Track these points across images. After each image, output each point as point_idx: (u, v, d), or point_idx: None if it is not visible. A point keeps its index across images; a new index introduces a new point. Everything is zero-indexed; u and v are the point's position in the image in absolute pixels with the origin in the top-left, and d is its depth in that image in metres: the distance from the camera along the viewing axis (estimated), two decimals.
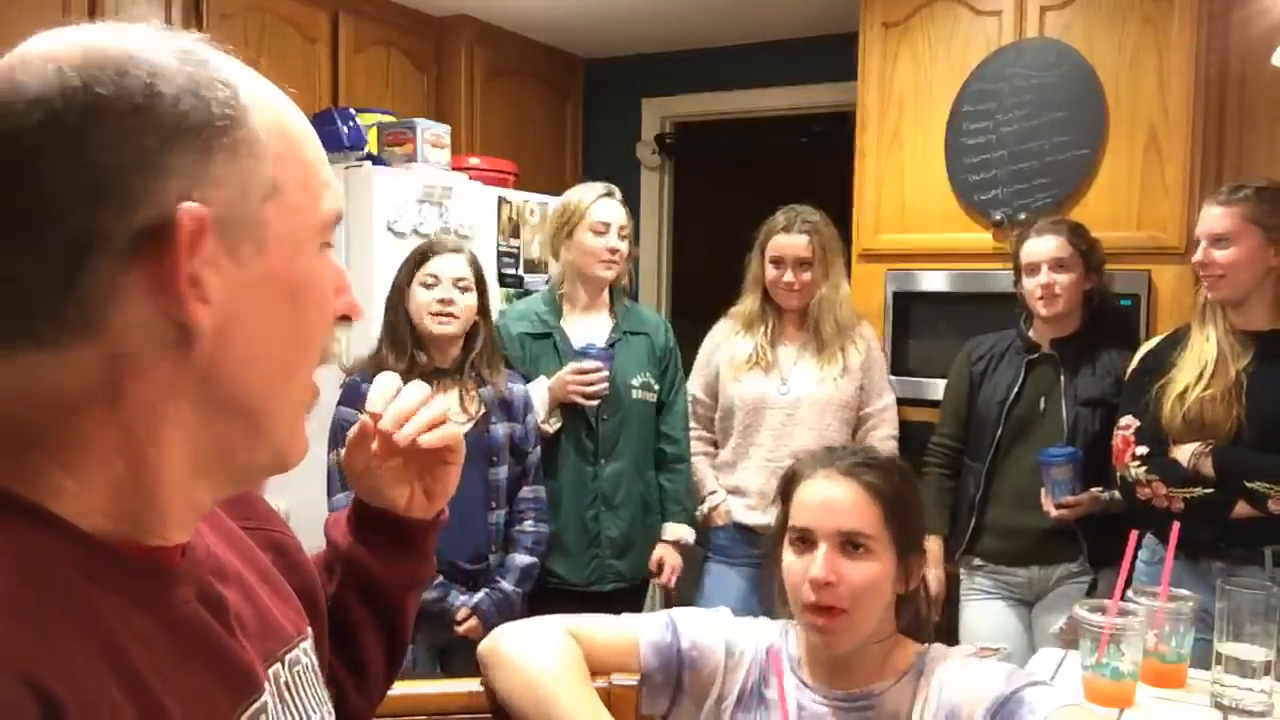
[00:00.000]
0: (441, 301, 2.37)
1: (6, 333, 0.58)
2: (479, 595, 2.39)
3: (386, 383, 0.93)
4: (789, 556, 1.37)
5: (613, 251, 2.70)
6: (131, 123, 0.58)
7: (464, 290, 2.40)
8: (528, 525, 2.50)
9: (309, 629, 0.81)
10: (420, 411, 0.92)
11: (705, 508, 2.83)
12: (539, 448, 2.57)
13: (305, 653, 0.79)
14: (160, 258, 0.58)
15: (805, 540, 1.35)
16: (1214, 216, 2.25)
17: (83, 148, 0.57)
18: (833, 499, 1.35)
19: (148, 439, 0.61)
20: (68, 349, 0.58)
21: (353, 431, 0.93)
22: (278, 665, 0.74)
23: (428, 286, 2.38)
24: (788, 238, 2.77)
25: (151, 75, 0.59)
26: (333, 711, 0.81)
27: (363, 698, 0.97)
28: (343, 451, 0.96)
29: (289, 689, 0.74)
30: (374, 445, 0.93)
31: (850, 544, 1.33)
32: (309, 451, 0.71)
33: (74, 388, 0.59)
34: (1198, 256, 2.27)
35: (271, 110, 0.65)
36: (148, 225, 0.58)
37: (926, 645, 1.39)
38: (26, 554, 0.57)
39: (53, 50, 0.59)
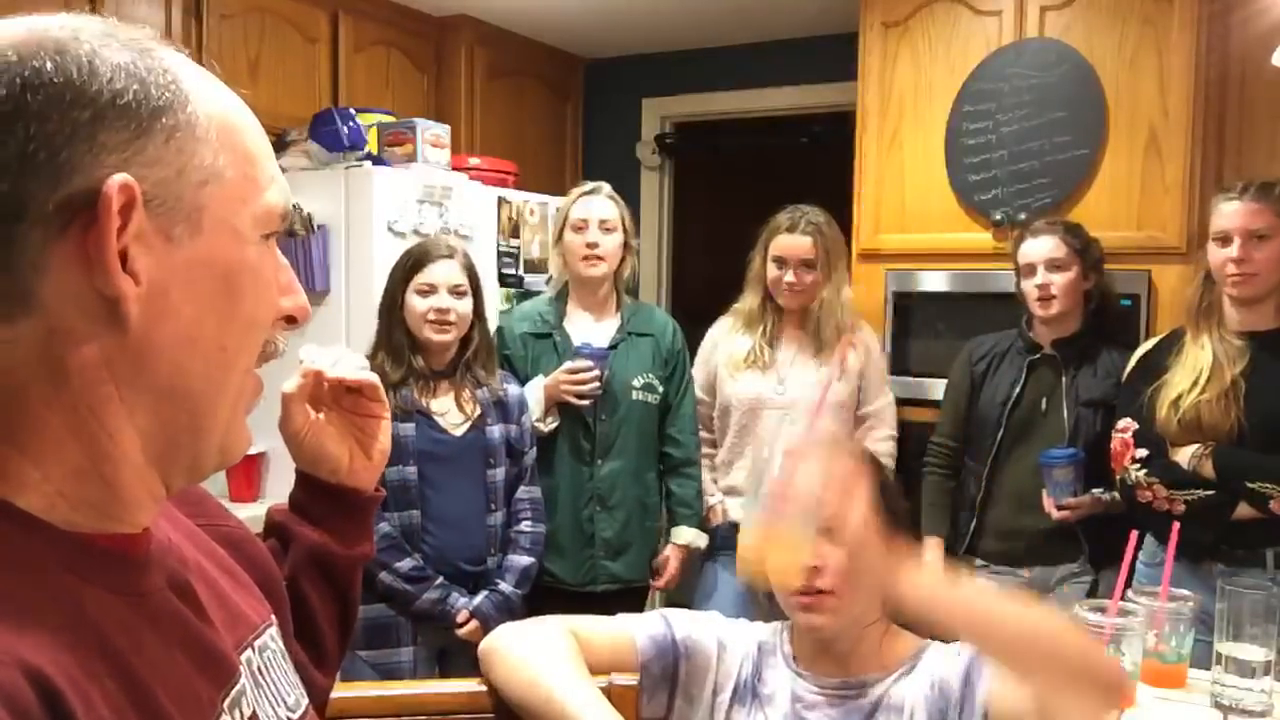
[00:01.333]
0: (439, 311, 2.36)
1: None
2: (479, 598, 2.39)
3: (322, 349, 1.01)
4: None
5: (591, 246, 2.68)
6: (66, 96, 0.59)
7: (460, 296, 2.39)
8: (525, 526, 2.50)
9: (273, 617, 0.83)
10: (347, 357, 0.99)
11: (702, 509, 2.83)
12: (535, 449, 2.57)
13: (273, 639, 0.81)
14: (88, 229, 0.59)
15: None
16: (1250, 213, 2.21)
17: (13, 117, 0.58)
18: None
19: (96, 422, 0.62)
20: (6, 324, 0.59)
21: (290, 385, 0.97)
22: (249, 651, 0.75)
23: (424, 294, 2.36)
24: (791, 238, 2.76)
25: (90, 55, 0.60)
26: (305, 694, 0.83)
27: (323, 675, 1.00)
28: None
29: (262, 673, 0.76)
30: (310, 409, 0.97)
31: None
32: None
33: (18, 365, 0.60)
34: (1233, 253, 2.21)
35: (216, 102, 0.66)
36: (76, 196, 0.59)
37: (927, 640, 1.39)
38: (5, 547, 0.58)
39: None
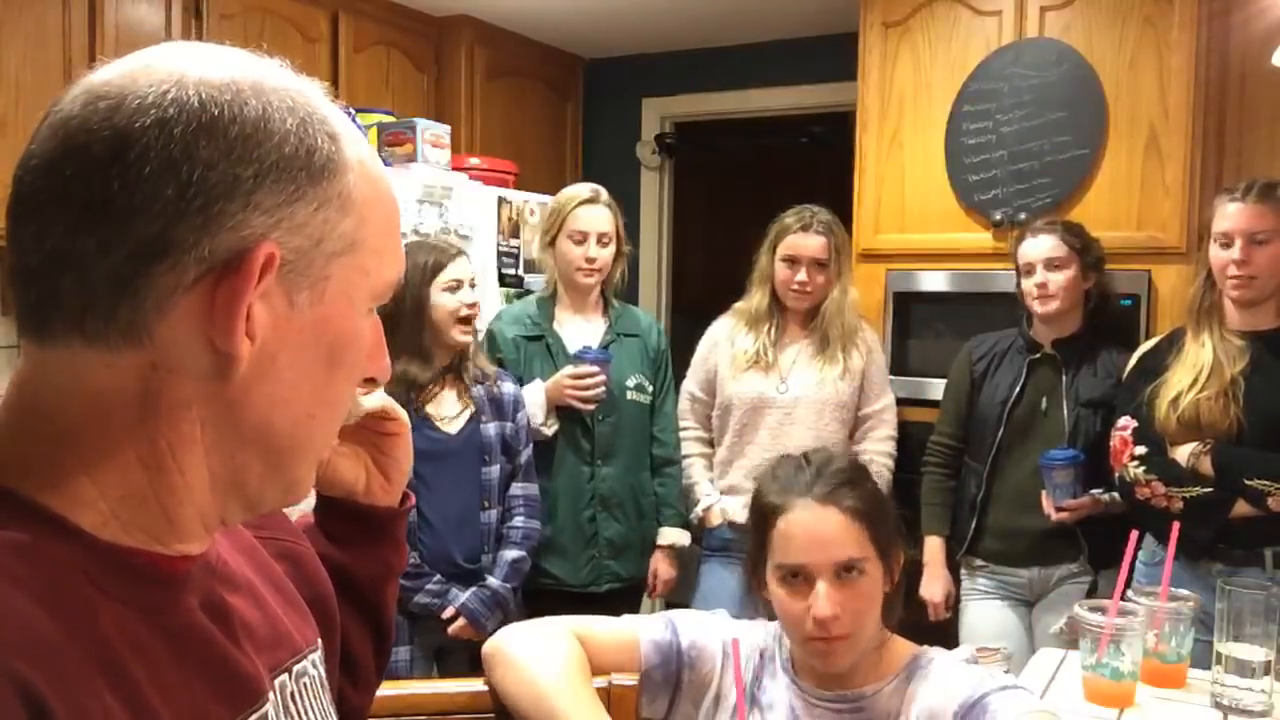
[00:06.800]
0: (469, 306, 2.38)
1: (61, 319, 0.60)
2: (466, 594, 2.39)
3: None
4: (780, 592, 1.35)
5: (590, 261, 2.69)
6: (236, 150, 0.59)
7: (473, 289, 2.42)
8: (518, 521, 2.51)
9: (319, 640, 0.81)
10: None
11: (700, 510, 2.83)
12: (530, 447, 2.57)
13: (314, 664, 0.79)
14: (222, 286, 0.59)
15: (798, 576, 1.33)
16: (1253, 215, 2.20)
17: (182, 160, 0.58)
18: (823, 533, 1.32)
19: (171, 456, 0.62)
20: (111, 350, 0.59)
21: None
22: (284, 675, 0.74)
23: (452, 291, 2.37)
24: (804, 237, 2.75)
25: (265, 109, 0.61)
26: None
27: (358, 694, 0.98)
28: None
29: (294, 700, 0.74)
30: None
31: (846, 569, 1.32)
32: None
33: (110, 391, 0.60)
34: (1234, 255, 2.20)
35: (368, 174, 0.66)
36: (221, 252, 0.59)
37: (924, 647, 1.39)
38: (32, 559, 0.57)
39: (182, 63, 0.61)
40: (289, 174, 0.61)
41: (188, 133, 0.58)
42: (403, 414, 0.95)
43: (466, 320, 2.38)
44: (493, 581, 2.43)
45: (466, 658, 2.37)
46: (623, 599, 2.70)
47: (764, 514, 1.39)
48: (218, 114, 0.59)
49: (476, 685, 1.38)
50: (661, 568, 2.80)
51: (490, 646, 1.39)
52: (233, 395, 0.62)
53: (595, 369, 2.62)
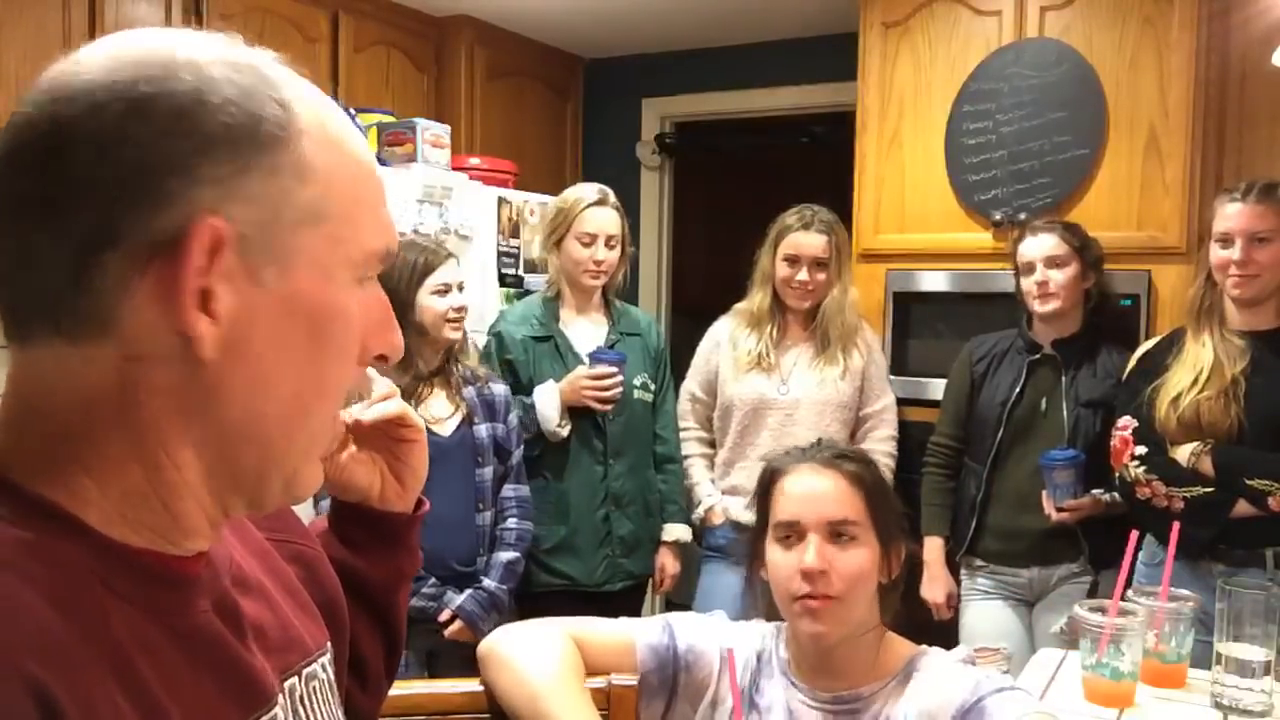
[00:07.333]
0: (457, 309, 2.39)
1: (38, 320, 0.60)
2: (462, 597, 2.39)
3: None
4: (776, 553, 1.38)
5: (598, 263, 2.70)
6: (170, 125, 0.57)
7: (462, 291, 2.43)
8: (511, 523, 2.51)
9: (329, 644, 0.81)
10: (375, 383, 0.93)
11: (701, 510, 2.84)
12: (521, 448, 2.58)
13: (323, 667, 0.79)
14: (170, 265, 0.58)
15: (792, 534, 1.36)
16: (1253, 215, 2.21)
17: (116, 142, 0.57)
18: (819, 489, 1.37)
19: (162, 449, 0.61)
20: (85, 344, 0.59)
21: None
22: (294, 678, 0.74)
23: (441, 294, 2.37)
24: (806, 236, 2.76)
25: (201, 81, 0.59)
26: None
27: (367, 698, 0.98)
28: None
29: (303, 703, 0.74)
30: None
31: (838, 534, 1.34)
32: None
33: (90, 385, 0.60)
34: (1234, 254, 2.22)
35: (329, 139, 0.64)
36: (166, 230, 0.57)
37: (922, 647, 1.38)
38: (44, 558, 0.57)
39: (116, 48, 0.60)
40: (230, 145, 0.59)
41: (118, 114, 0.57)
42: (419, 420, 0.95)
43: (455, 321, 2.39)
44: (488, 583, 2.43)
45: (459, 661, 2.37)
46: (631, 597, 2.73)
47: (768, 484, 1.43)
48: (151, 91, 0.58)
49: (474, 686, 1.38)
50: (668, 563, 2.82)
51: (485, 647, 1.39)
52: (210, 381, 0.60)
53: (614, 369, 2.63)
